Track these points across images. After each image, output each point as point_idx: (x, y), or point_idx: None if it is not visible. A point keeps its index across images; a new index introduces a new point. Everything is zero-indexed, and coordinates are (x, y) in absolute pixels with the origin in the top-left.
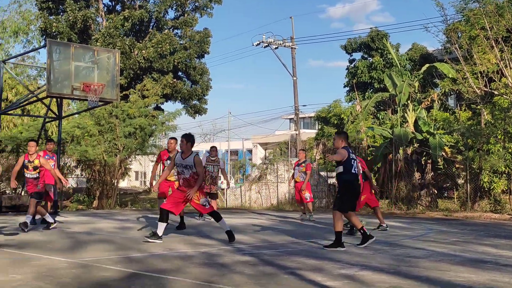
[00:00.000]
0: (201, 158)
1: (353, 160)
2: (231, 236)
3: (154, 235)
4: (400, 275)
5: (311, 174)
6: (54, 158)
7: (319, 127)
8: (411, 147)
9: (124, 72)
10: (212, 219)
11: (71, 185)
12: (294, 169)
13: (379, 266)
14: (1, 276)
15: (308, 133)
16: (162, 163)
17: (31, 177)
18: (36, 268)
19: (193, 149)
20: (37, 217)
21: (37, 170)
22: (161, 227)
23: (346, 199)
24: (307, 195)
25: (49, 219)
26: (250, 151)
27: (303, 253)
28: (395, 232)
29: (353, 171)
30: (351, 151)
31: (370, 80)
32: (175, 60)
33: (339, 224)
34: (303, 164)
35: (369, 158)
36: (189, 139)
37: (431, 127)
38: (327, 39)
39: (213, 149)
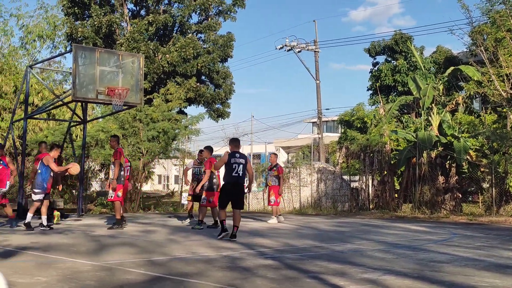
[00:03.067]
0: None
1: (234, 164)
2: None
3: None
4: (423, 280)
5: (283, 178)
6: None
7: (342, 131)
8: (435, 150)
9: (148, 76)
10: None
11: (95, 188)
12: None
13: (402, 270)
14: (26, 279)
15: (331, 137)
16: None
17: None
18: (61, 270)
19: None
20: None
21: None
22: None
23: (220, 197)
24: (272, 198)
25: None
26: None
27: (325, 257)
28: (418, 237)
29: (234, 174)
30: (237, 156)
31: (393, 83)
32: (199, 64)
33: (222, 214)
34: (274, 168)
35: (392, 162)
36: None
37: (455, 130)
38: (350, 42)
39: (200, 152)
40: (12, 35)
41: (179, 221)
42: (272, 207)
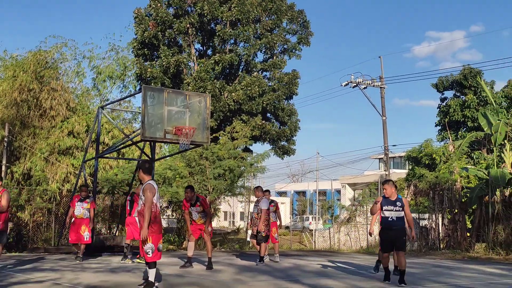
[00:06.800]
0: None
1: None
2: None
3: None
4: None
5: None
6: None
7: (410, 167)
8: (509, 188)
9: (214, 114)
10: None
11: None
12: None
13: None
14: None
15: (398, 173)
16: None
17: None
18: None
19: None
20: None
21: None
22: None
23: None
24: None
25: None
26: (338, 191)
27: None
28: (494, 280)
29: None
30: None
31: (463, 119)
32: (264, 102)
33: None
34: (272, 204)
35: (463, 200)
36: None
37: None
38: (415, 78)
39: (257, 189)
40: (84, 76)
41: (247, 261)
42: (275, 244)
